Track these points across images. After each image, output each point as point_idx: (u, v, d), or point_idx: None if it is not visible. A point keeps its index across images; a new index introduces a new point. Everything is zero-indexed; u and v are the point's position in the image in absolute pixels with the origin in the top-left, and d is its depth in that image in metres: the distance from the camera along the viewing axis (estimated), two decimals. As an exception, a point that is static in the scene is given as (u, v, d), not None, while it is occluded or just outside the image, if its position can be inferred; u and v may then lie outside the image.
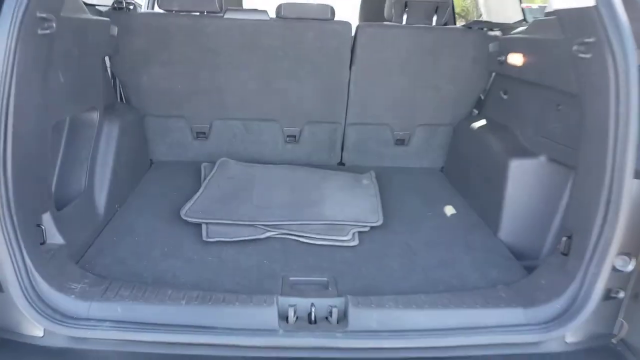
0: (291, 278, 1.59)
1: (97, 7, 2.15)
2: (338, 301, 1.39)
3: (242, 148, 2.62)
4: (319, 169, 2.48)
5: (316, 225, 1.90)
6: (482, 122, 2.36)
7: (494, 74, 2.45)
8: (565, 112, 1.76)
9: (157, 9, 2.36)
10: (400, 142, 2.69)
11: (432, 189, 2.45)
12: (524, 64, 1.95)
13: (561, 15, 1.59)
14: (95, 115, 1.92)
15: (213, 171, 2.36)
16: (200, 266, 1.65)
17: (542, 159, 1.89)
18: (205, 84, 2.44)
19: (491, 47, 2.29)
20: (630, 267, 1.44)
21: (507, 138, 2.09)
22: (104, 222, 1.88)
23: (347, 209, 2.03)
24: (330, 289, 1.54)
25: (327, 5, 2.36)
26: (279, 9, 2.35)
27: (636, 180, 1.38)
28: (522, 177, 1.92)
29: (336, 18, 2.39)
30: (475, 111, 2.64)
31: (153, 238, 1.80)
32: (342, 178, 2.38)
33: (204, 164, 2.48)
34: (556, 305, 1.43)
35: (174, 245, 1.76)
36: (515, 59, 2.00)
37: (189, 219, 1.89)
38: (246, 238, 1.80)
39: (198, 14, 2.32)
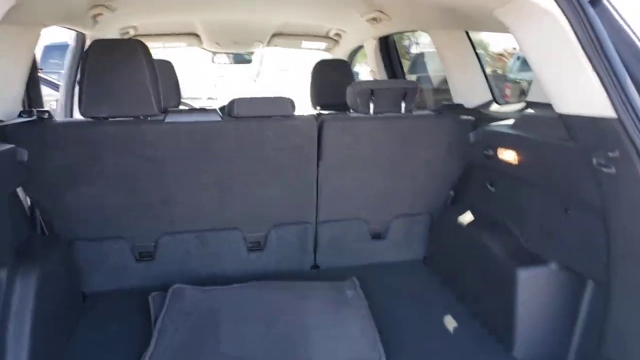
0: None
1: None
2: None
3: (198, 265, 2.22)
4: (293, 283, 2.13)
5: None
6: (469, 214, 2.14)
7: (468, 160, 2.27)
8: (576, 217, 1.57)
9: (78, 116, 1.96)
10: (377, 236, 2.42)
11: (422, 290, 2.18)
12: (520, 163, 1.76)
13: (570, 122, 1.40)
14: (1, 274, 1.48)
15: (165, 306, 1.94)
16: None
17: (553, 266, 1.68)
18: (148, 198, 2.05)
19: (473, 136, 2.10)
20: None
21: (506, 239, 1.87)
22: None
23: (341, 344, 1.69)
24: None
25: (286, 99, 2.08)
26: (230, 106, 2.04)
27: None
28: (533, 288, 1.69)
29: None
30: (452, 193, 2.44)
31: None
32: (322, 293, 2.05)
33: (152, 295, 2.04)
34: None
35: None
36: (508, 155, 1.81)
37: (145, 396, 1.47)
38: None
39: (133, 119, 1.95)
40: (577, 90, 1.34)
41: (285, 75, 8.25)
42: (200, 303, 1.97)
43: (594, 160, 1.32)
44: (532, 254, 1.75)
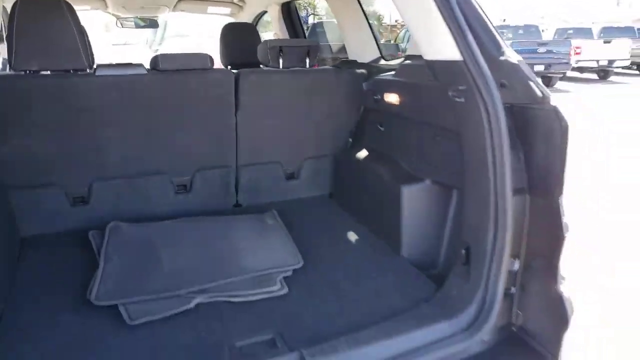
0: (237, 343, 1.57)
1: None
2: (294, 357, 1.44)
3: (130, 207, 2.43)
4: (219, 217, 2.45)
5: (242, 280, 1.90)
6: (364, 151, 2.60)
7: (363, 107, 2.71)
8: (442, 141, 2.07)
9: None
10: (290, 176, 2.80)
11: (330, 217, 2.61)
12: (401, 103, 2.23)
13: (433, 66, 1.87)
14: None
15: (106, 239, 2.16)
16: (135, 354, 1.53)
17: (427, 182, 2.18)
18: (80, 146, 2.22)
19: (365, 85, 2.54)
20: (516, 266, 1.78)
21: (392, 167, 2.34)
22: None
23: (266, 255, 2.06)
24: (279, 346, 1.57)
25: (205, 54, 2.34)
26: (154, 61, 2.26)
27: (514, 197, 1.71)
28: (414, 201, 2.18)
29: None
30: (350, 140, 2.88)
31: (65, 333, 1.59)
32: (246, 222, 2.39)
33: (91, 232, 2.24)
34: (471, 312, 1.69)
35: (97, 336, 1.58)
36: (392, 98, 2.27)
37: (103, 303, 1.72)
38: (176, 311, 1.71)
39: (64, 72, 2.10)
40: (437, 41, 1.79)
41: (185, 41, 8.19)
42: (137, 235, 2.21)
43: (450, 94, 1.79)
44: (412, 175, 2.24)
